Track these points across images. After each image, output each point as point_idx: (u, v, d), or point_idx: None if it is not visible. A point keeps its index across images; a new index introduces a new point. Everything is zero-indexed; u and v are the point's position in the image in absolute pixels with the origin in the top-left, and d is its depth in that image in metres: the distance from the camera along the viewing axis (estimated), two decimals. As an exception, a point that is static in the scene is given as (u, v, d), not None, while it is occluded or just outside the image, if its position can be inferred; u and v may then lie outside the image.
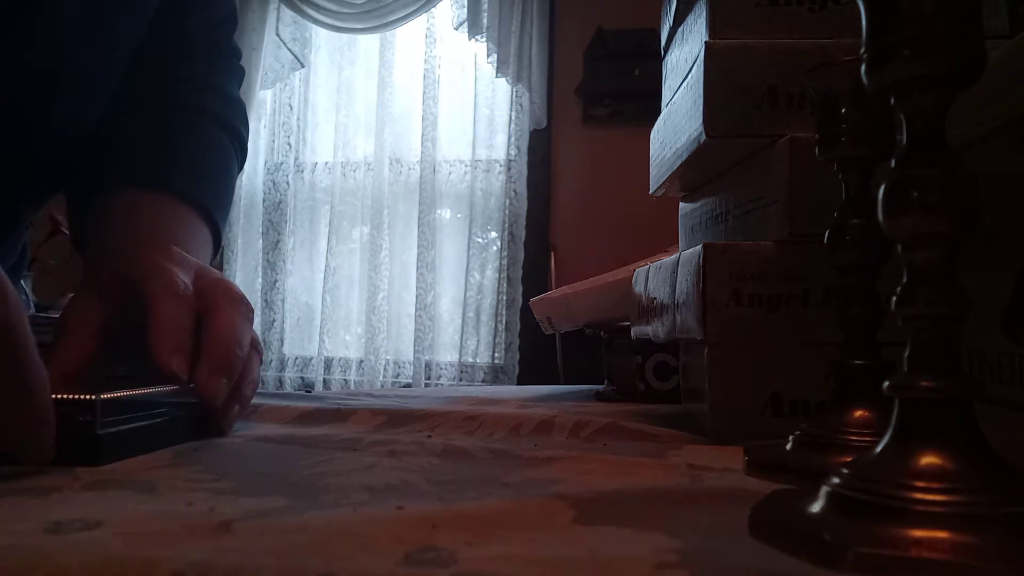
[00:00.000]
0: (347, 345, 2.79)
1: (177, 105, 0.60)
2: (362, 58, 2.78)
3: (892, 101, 0.23)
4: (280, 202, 2.83)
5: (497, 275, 2.60)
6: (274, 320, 2.79)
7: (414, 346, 2.61)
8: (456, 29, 2.64)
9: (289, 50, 2.79)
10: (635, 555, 0.21)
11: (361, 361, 2.69)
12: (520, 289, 2.57)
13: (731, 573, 0.19)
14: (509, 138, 2.61)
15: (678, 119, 0.51)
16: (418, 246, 2.62)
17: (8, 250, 0.64)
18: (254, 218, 2.84)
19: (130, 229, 0.51)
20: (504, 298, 2.59)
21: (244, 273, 2.82)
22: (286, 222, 2.82)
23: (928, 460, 0.21)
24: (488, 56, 2.59)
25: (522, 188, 2.63)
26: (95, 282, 0.45)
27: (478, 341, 2.61)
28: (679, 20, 0.53)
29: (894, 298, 0.22)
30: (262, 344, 0.46)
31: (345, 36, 2.78)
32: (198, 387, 0.39)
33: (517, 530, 0.23)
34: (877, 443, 0.23)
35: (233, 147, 0.64)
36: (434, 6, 2.66)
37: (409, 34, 2.73)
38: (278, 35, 2.79)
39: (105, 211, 0.54)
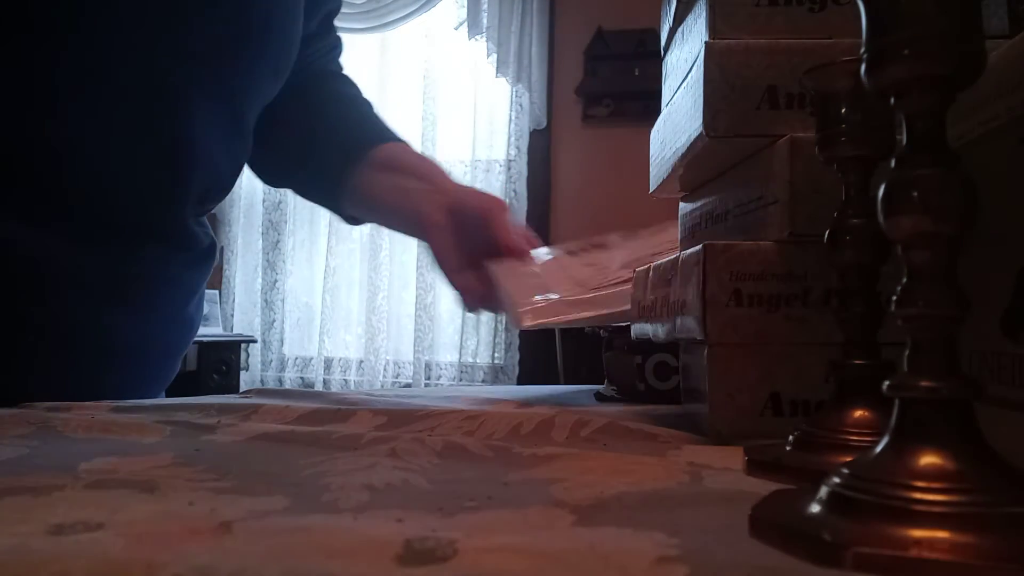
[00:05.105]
0: (347, 345, 2.79)
1: (343, 93, 0.86)
2: (362, 58, 2.79)
3: (892, 101, 0.23)
4: (280, 202, 2.83)
5: (497, 275, 2.60)
6: (274, 320, 2.79)
7: (414, 346, 2.62)
8: (456, 29, 2.64)
9: (289, 50, 2.80)
10: (636, 549, 0.21)
11: (361, 361, 2.70)
12: (520, 289, 2.56)
13: (731, 569, 0.19)
14: (509, 138, 2.62)
15: (678, 119, 0.51)
16: (418, 246, 2.62)
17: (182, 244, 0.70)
18: (254, 218, 2.84)
19: (413, 169, 0.76)
20: (504, 298, 2.58)
21: (244, 273, 2.82)
22: (286, 222, 2.82)
23: (928, 460, 0.21)
24: (488, 56, 2.59)
25: (522, 188, 2.63)
26: (435, 207, 0.71)
27: (478, 341, 2.61)
28: (679, 20, 0.53)
29: (894, 298, 0.22)
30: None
31: (345, 36, 2.78)
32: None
33: (517, 530, 0.23)
34: (877, 443, 0.23)
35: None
36: (434, 6, 2.66)
37: (409, 34, 2.74)
38: (278, 35, 2.80)
39: (371, 166, 0.76)
